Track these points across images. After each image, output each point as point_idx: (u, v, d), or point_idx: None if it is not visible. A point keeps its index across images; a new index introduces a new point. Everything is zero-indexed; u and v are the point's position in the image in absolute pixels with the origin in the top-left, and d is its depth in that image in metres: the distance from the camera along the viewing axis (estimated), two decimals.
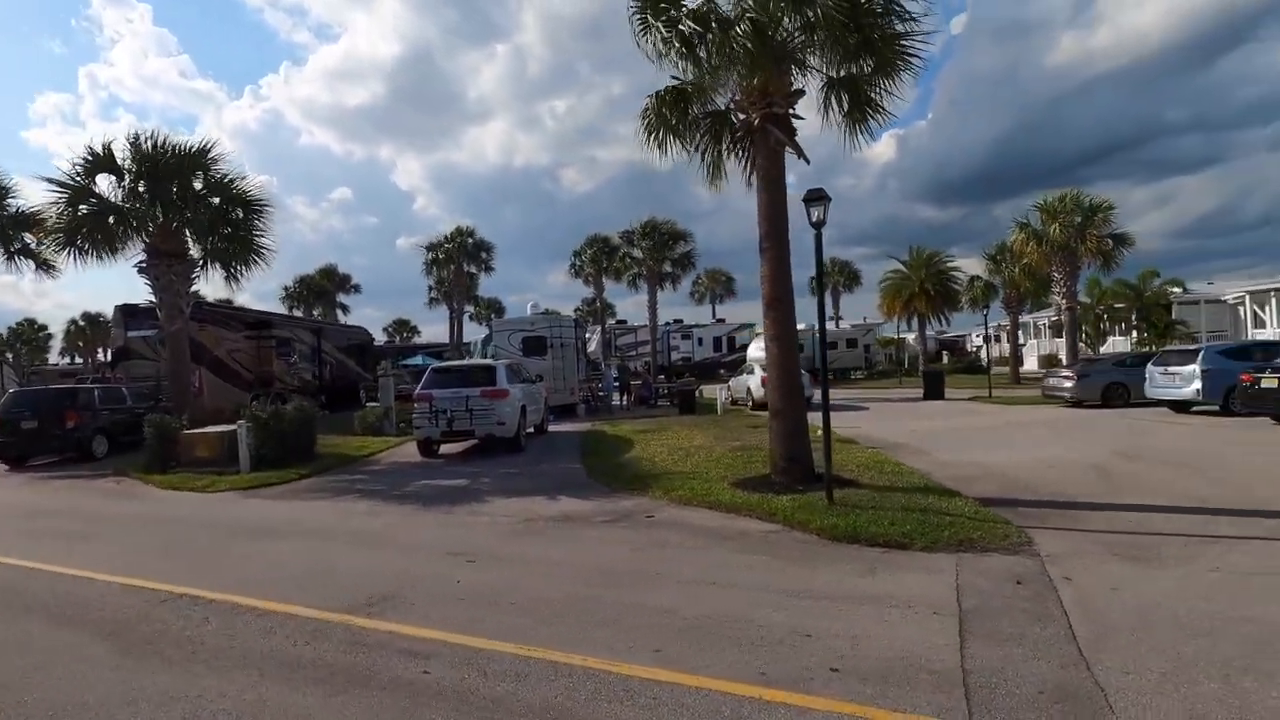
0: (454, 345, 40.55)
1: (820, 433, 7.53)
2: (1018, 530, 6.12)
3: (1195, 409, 15.63)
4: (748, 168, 9.26)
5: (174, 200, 13.23)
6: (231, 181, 13.78)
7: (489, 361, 13.81)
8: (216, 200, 13.87)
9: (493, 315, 60.21)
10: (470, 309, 50.27)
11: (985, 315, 28.50)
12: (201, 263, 14.20)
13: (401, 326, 70.63)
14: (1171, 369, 15.87)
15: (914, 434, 13.75)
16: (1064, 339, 35.64)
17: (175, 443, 12.28)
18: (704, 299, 55.15)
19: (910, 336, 55.06)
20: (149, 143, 12.96)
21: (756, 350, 41.28)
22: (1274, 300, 30.36)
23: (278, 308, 36.77)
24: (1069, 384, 18.81)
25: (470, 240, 34.69)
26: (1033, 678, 3.49)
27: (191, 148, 13.24)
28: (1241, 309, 33.84)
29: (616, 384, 26.42)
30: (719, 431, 14.69)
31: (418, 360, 32.41)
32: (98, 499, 10.28)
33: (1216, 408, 14.94)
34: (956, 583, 4.96)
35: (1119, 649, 3.79)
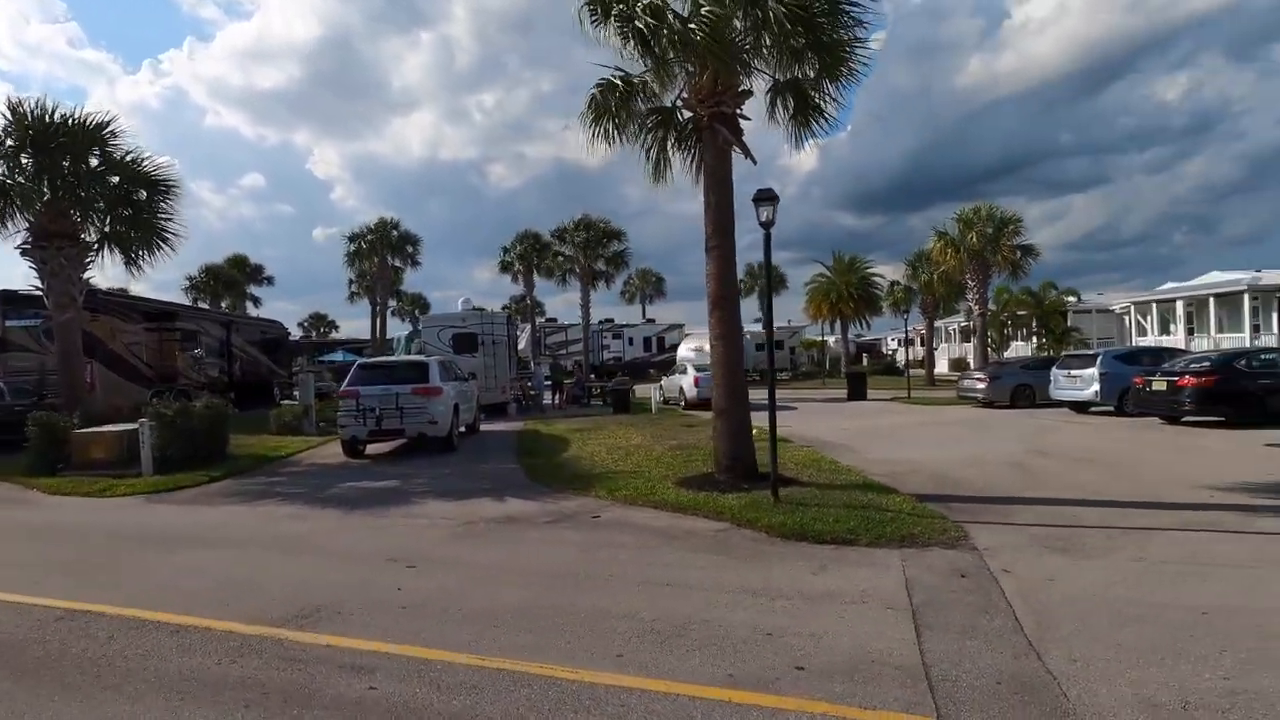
0: (376, 341, 38.98)
1: (760, 432, 7.59)
2: (955, 525, 6.35)
3: (1093, 409, 16.85)
4: (693, 166, 9.27)
5: (65, 177, 12.01)
6: (134, 159, 12.64)
7: (421, 358, 13.26)
8: (116, 179, 12.70)
9: (416, 311, 58.32)
10: (393, 304, 48.54)
11: (906, 319, 29.82)
12: (97, 247, 12.97)
13: (318, 321, 67.42)
14: (1073, 372, 17.05)
15: (844, 432, 14.17)
16: (974, 343, 37.72)
17: (65, 443, 11.16)
18: (634, 299, 55.38)
19: (832, 339, 57.14)
20: (34, 111, 11.71)
21: (687, 350, 41.77)
22: (1154, 310, 33.23)
23: (181, 299, 34.20)
24: (981, 386, 19.92)
25: (395, 232, 33.41)
26: (990, 669, 3.58)
27: (88, 120, 12.04)
28: (1127, 318, 36.89)
29: (548, 382, 26.07)
30: (655, 430, 14.68)
31: (338, 356, 30.96)
32: None
33: (1112, 408, 16.13)
34: (904, 577, 5.07)
35: (1062, 638, 3.95)
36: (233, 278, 39.42)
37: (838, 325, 39.04)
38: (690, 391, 21.32)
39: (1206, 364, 13.76)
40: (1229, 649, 3.70)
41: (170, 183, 12.91)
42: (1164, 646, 3.78)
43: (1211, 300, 29.24)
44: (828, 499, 7.42)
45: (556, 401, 24.10)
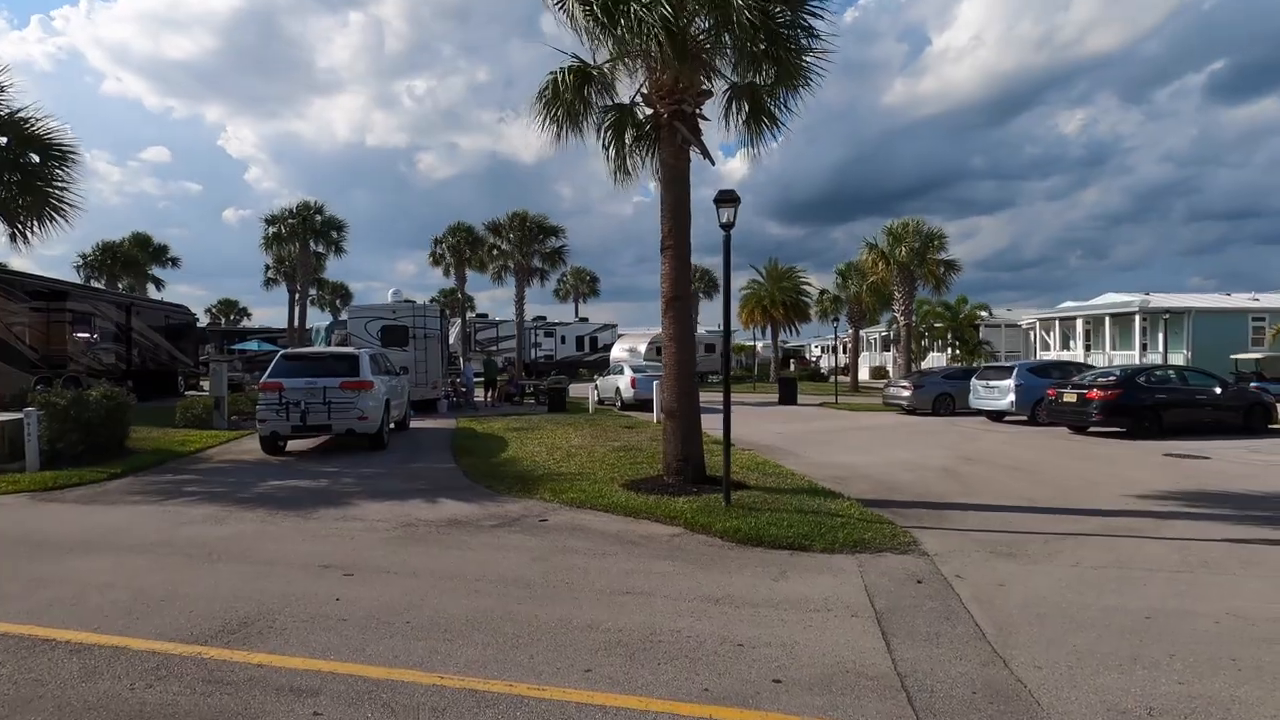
0: (294, 331, 36.86)
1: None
2: (903, 531, 6.46)
3: (1008, 419, 17.82)
4: (652, 164, 9.15)
5: None
6: (25, 119, 11.34)
7: (351, 349, 12.54)
8: (3, 140, 11.36)
9: (338, 301, 55.69)
10: (314, 293, 46.22)
11: (836, 327, 30.73)
12: None
13: (228, 308, 63.42)
14: (991, 383, 17.98)
15: (780, 436, 14.38)
16: (894, 352, 39.18)
17: None
18: (568, 297, 54.86)
19: (759, 345, 58.43)
20: None
21: (621, 351, 41.68)
22: (1056, 326, 35.65)
23: (72, 278, 31.20)
24: (907, 394, 20.73)
25: (319, 217, 31.62)
26: (962, 678, 3.59)
27: None
28: (1032, 333, 39.44)
29: (479, 379, 25.37)
30: (595, 431, 14.47)
31: (252, 345, 29.09)
32: None
33: (1025, 418, 17.10)
34: (864, 583, 5.09)
35: (1023, 644, 4.03)
36: (133, 257, 36.27)
37: (767, 331, 39.99)
38: (627, 392, 21.20)
39: (1111, 379, 14.77)
40: (1178, 653, 3.86)
41: (67, 148, 11.64)
42: (1119, 652, 3.90)
43: (1107, 319, 31.60)
44: (778, 504, 7.43)
45: (488, 399, 23.46)
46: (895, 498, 8.24)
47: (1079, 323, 33.84)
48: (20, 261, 19.63)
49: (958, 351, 38.61)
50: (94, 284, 31.52)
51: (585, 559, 5.73)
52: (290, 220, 30.97)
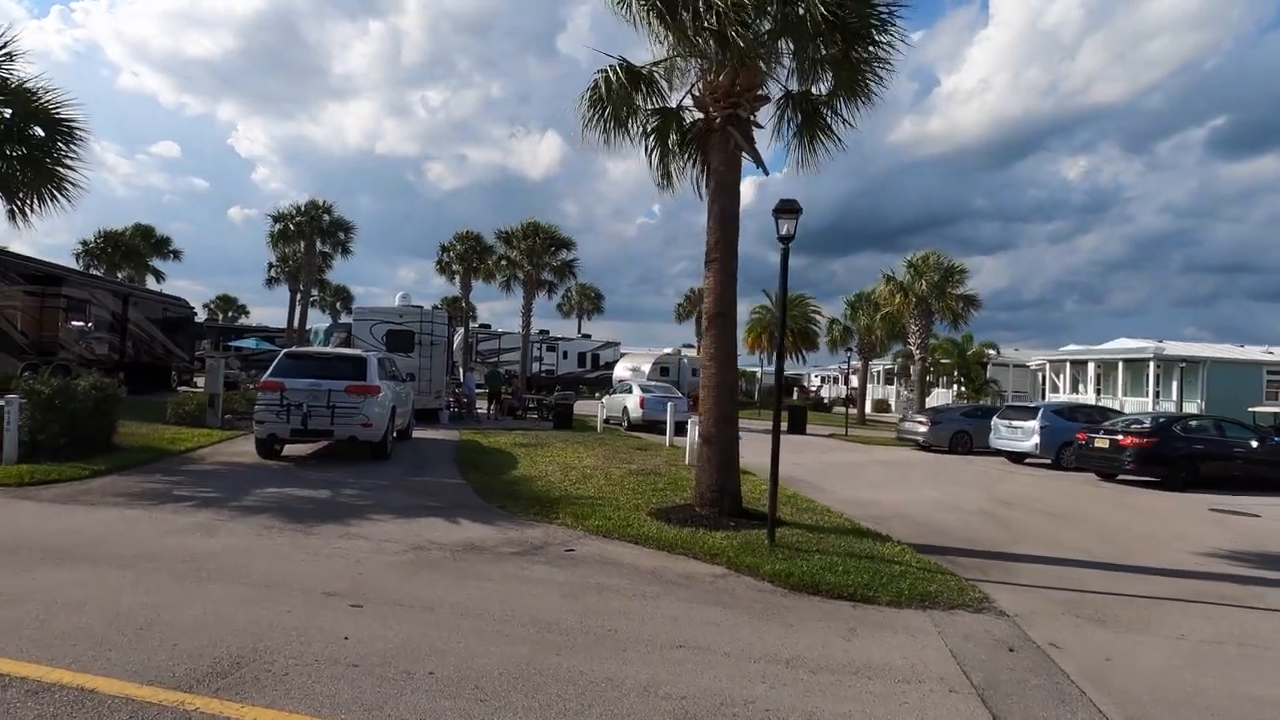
0: (294, 330, 36.16)
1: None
2: (969, 584, 5.82)
3: (1028, 460, 17.22)
4: (694, 172, 8.65)
5: None
6: (31, 92, 10.79)
7: (358, 351, 11.89)
8: (8, 113, 10.80)
9: (338, 304, 55.05)
10: (315, 294, 45.54)
11: (850, 358, 30.19)
12: None
13: (227, 304, 62.59)
14: (1014, 424, 17.39)
15: (801, 468, 13.73)
16: (897, 386, 38.59)
17: None
18: (571, 313, 54.27)
19: (758, 371, 57.90)
20: None
21: (624, 370, 41.13)
22: (1067, 369, 35.22)
23: (74, 266, 30.47)
24: (923, 429, 20.13)
25: (326, 216, 31.13)
26: None
27: None
28: (1040, 374, 39.01)
29: (481, 390, 24.72)
30: (607, 451, 13.80)
31: (251, 343, 28.39)
32: None
33: (1049, 461, 16.51)
34: (948, 648, 4.45)
35: None
36: (134, 247, 35.64)
37: (772, 358, 39.48)
38: (635, 412, 20.54)
39: (1147, 426, 14.21)
40: None
41: (74, 123, 11.09)
42: None
43: (1120, 364, 31.18)
44: (824, 544, 6.79)
45: (491, 412, 22.77)
46: (944, 543, 7.60)
47: (1090, 366, 33.40)
48: (20, 246, 18.86)
49: (963, 389, 38.12)
50: (93, 272, 30.83)
51: (624, 600, 5.07)
52: (298, 218, 30.47)
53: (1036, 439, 16.55)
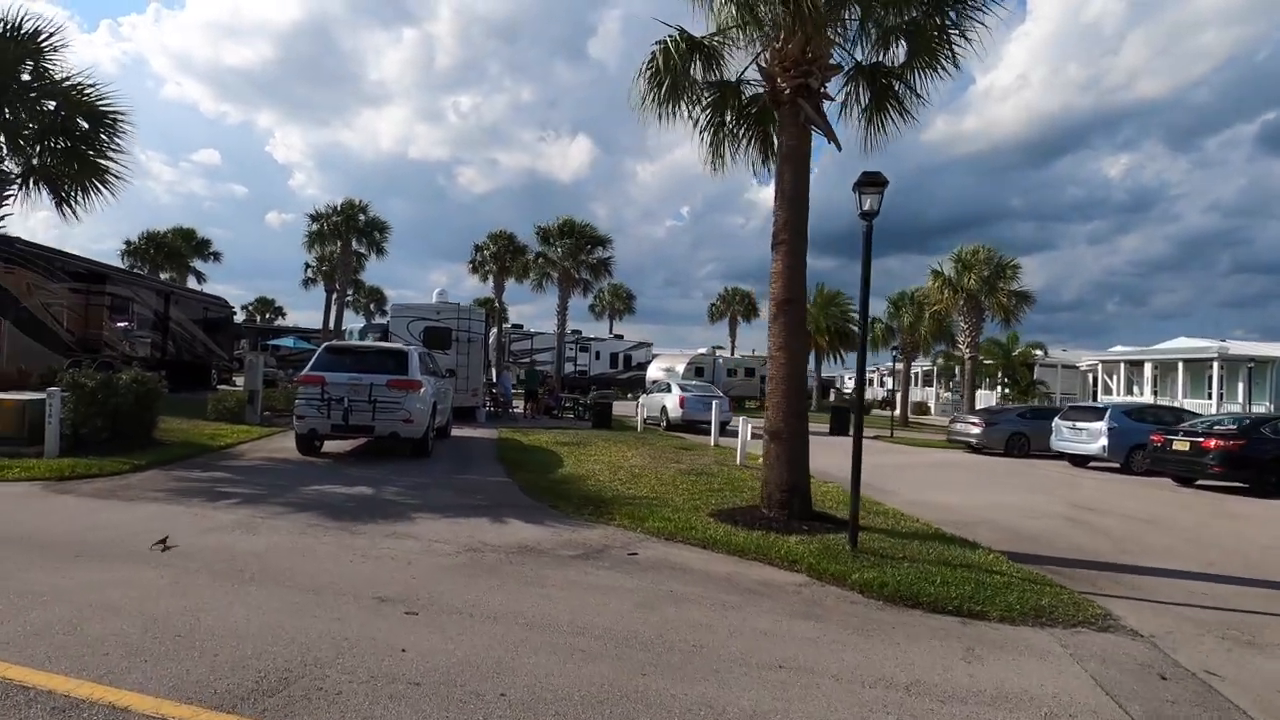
0: (329, 331, 36.39)
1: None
2: (1085, 599, 5.17)
3: (1093, 464, 16.25)
4: (756, 150, 8.12)
5: None
6: (76, 84, 10.69)
7: (399, 345, 11.57)
8: (52, 105, 10.70)
9: (372, 305, 55.53)
10: (349, 295, 45.85)
11: (895, 357, 29.21)
12: (20, 181, 10.90)
13: (264, 306, 63.78)
14: (1078, 425, 16.44)
15: (833, 469, 13.04)
16: (936, 387, 37.52)
17: None
18: (603, 314, 53.98)
19: None
20: None
21: (657, 371, 40.61)
22: (1121, 370, 33.72)
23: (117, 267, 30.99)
24: (975, 430, 19.22)
25: (363, 216, 31.21)
26: None
27: (21, 28, 10.07)
28: (1091, 375, 37.46)
29: (518, 389, 24.42)
30: (652, 451, 13.28)
31: (288, 342, 28.57)
32: None
33: (1118, 465, 15.53)
34: (1087, 674, 3.83)
35: None
36: (176, 248, 36.26)
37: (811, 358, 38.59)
38: (675, 412, 19.98)
39: (1233, 428, 13.22)
40: None
41: (118, 116, 10.97)
42: None
43: (1180, 365, 29.70)
44: (909, 551, 6.18)
45: (528, 411, 22.42)
46: (1037, 551, 6.92)
47: (1147, 367, 31.93)
48: (67, 248, 19.02)
49: (1008, 391, 36.78)
50: (135, 271, 31.33)
51: (704, 611, 4.54)
52: (335, 218, 30.57)
53: (1104, 441, 15.59)
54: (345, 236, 30.74)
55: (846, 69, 7.72)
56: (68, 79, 10.71)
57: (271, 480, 8.44)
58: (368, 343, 14.42)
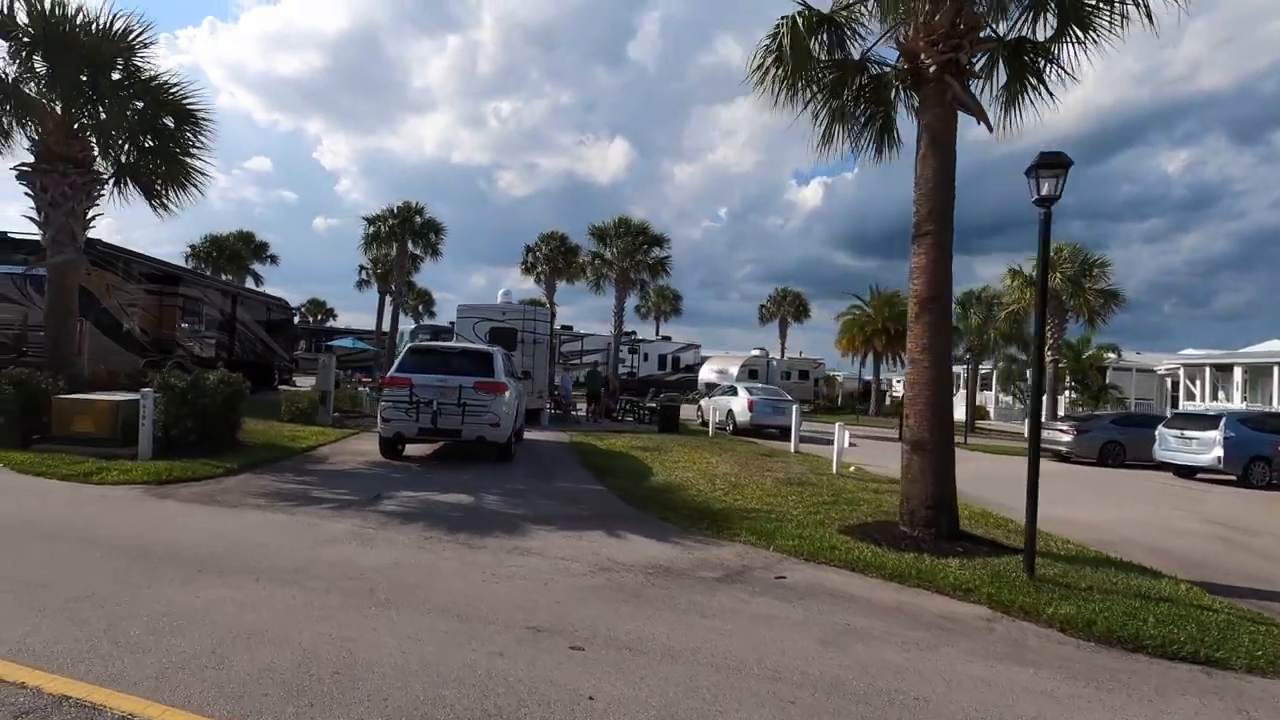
0: (382, 331, 36.73)
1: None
2: None
3: (1200, 475, 15.09)
4: (874, 132, 7.52)
5: (82, 89, 9.96)
6: (164, 82, 10.63)
7: (483, 346, 11.23)
8: (141, 104, 10.66)
9: (420, 306, 56.08)
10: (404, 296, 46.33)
11: (968, 361, 27.97)
12: (112, 180, 10.91)
13: (316, 308, 64.97)
14: (1187, 434, 15.29)
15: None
16: (993, 392, 35.83)
17: (46, 409, 9.02)
18: (649, 315, 53.51)
19: (841, 375, 55.48)
20: (53, 6, 9.66)
21: (709, 373, 39.93)
22: (1206, 373, 31.80)
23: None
24: (1066, 438, 18.12)
25: (418, 218, 31.33)
26: None
27: (112, 26, 10.02)
28: (1170, 380, 35.46)
29: (578, 391, 24.09)
30: (734, 458, 12.69)
31: (347, 343, 28.86)
32: None
33: (1234, 477, 14.37)
34: None
35: None
36: (236, 251, 37.09)
37: (866, 360, 37.45)
38: (743, 416, 19.31)
39: None
40: None
41: (203, 114, 10.90)
42: None
43: (1276, 369, 27.80)
44: (1086, 578, 5.49)
45: (590, 413, 22.03)
46: (1213, 579, 6.16)
47: (1237, 371, 29.99)
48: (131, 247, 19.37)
49: (1077, 395, 35.08)
50: (201, 272, 32.03)
51: (897, 651, 3.96)
52: (391, 220, 30.74)
53: (1219, 451, 14.43)
54: (401, 239, 30.88)
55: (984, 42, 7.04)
56: (155, 77, 10.67)
57: (365, 486, 8.12)
58: (452, 344, 14.14)
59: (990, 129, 6.67)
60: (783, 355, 47.79)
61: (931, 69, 6.34)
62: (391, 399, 9.70)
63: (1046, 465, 16.51)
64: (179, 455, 8.78)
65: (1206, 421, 15.30)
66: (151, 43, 10.30)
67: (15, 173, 10.02)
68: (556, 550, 5.68)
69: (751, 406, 19.24)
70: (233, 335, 22.66)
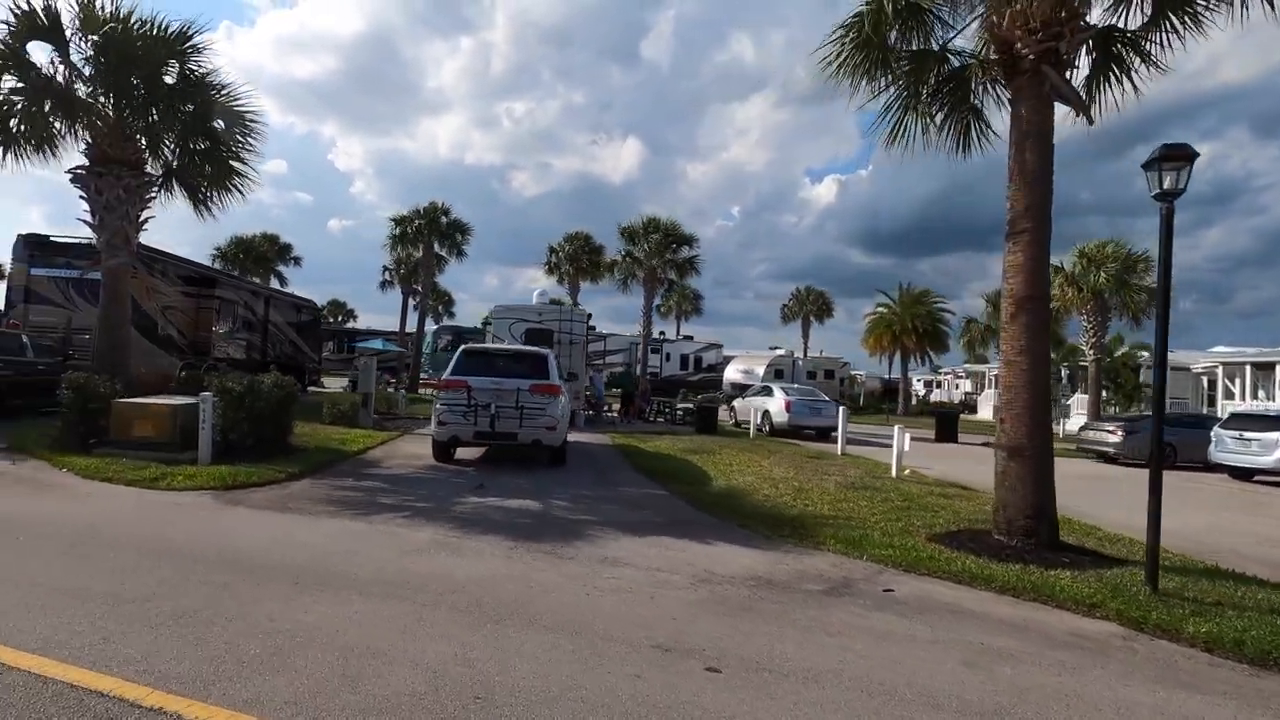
0: (405, 332, 36.80)
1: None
2: None
3: (1256, 478, 14.65)
4: (954, 124, 7.28)
5: (136, 93, 9.91)
6: (216, 83, 10.56)
7: (537, 348, 11.07)
8: (193, 105, 10.59)
9: (439, 307, 56.18)
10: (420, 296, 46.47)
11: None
12: (160, 181, 10.86)
13: (337, 308, 65.37)
14: (1246, 435, 14.84)
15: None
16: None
17: (104, 414, 8.96)
18: (669, 314, 53.26)
19: (861, 374, 54.93)
20: (107, 7, 9.62)
21: (735, 373, 39.70)
22: (1247, 372, 31.08)
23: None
24: (1113, 439, 17.71)
25: (444, 219, 31.29)
26: None
27: (167, 28, 9.96)
28: (1206, 379, 34.71)
29: (610, 392, 23.93)
30: (785, 460, 12.45)
31: (377, 344, 28.90)
32: None
33: None
34: None
35: None
36: (262, 253, 37.30)
37: (895, 359, 37.03)
38: (780, 417, 19.04)
39: None
40: None
41: (253, 115, 10.83)
42: None
43: None
44: (1211, 593, 5.22)
45: (623, 414, 21.85)
46: None
47: (1279, 370, 29.29)
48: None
49: (1109, 395, 34.45)
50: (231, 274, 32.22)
51: (1046, 674, 3.73)
52: (418, 221, 30.73)
53: None
54: (428, 239, 30.86)
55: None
56: (205, 78, 10.60)
57: (428, 491, 7.98)
58: (505, 345, 14.01)
59: (1091, 121, 6.40)
60: (805, 354, 47.39)
61: (1028, 59, 6.08)
62: (448, 401, 9.55)
63: (1094, 467, 16.30)
64: (236, 459, 8.69)
65: (1267, 422, 14.86)
66: (205, 47, 10.22)
67: (70, 176, 10.00)
68: (646, 560, 5.50)
69: (789, 408, 18.97)
70: (265, 337, 22.72)
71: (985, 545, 6.13)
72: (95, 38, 9.40)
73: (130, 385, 10.17)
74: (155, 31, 9.92)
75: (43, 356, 12.55)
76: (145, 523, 5.92)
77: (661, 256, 26.62)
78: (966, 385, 59.69)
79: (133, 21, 9.80)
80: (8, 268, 17.46)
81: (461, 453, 11.03)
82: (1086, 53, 7.03)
